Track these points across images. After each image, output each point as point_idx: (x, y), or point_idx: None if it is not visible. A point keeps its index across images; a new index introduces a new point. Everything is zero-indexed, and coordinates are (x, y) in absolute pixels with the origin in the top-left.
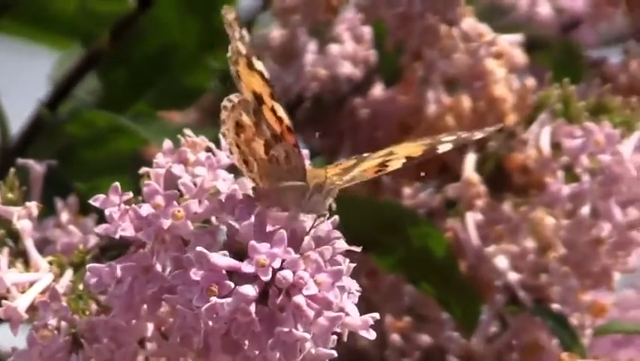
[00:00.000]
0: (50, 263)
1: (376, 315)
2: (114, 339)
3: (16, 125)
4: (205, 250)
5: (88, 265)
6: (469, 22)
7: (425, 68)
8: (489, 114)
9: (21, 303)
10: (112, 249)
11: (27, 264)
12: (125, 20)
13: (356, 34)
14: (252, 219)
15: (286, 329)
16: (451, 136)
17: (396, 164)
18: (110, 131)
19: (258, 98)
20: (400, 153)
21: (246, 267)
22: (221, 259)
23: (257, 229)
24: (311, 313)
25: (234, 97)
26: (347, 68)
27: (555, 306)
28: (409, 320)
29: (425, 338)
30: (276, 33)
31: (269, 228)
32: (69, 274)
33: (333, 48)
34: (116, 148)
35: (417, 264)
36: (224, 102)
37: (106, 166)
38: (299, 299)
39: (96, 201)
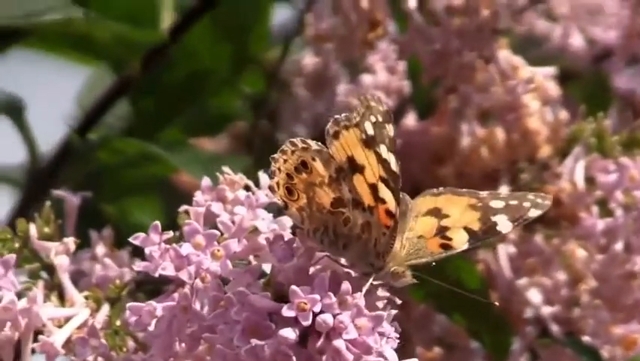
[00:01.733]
0: (87, 298)
1: (415, 360)
2: None
3: (42, 139)
4: (247, 290)
5: (128, 305)
6: (504, 55)
7: (460, 100)
8: (522, 147)
9: (58, 338)
10: (148, 283)
11: (62, 298)
12: (157, 48)
13: (389, 65)
14: (295, 260)
15: None
16: (500, 201)
17: (459, 239)
18: (140, 159)
19: (354, 166)
20: (451, 217)
21: (287, 311)
22: (262, 301)
23: (299, 270)
24: (350, 358)
25: (313, 143)
26: None
27: (586, 339)
28: (440, 351)
29: None
30: (308, 60)
31: (311, 270)
32: (106, 309)
33: (366, 78)
34: (146, 174)
35: (450, 295)
36: (297, 140)
37: (135, 190)
38: (339, 343)
39: (136, 239)
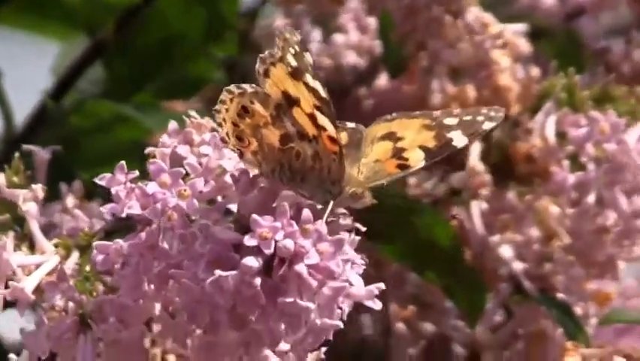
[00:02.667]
0: (56, 246)
1: (381, 285)
2: (121, 319)
3: (19, 116)
4: (209, 223)
5: (95, 243)
6: (474, 12)
7: (430, 58)
8: (494, 104)
9: (28, 284)
10: (117, 232)
11: (32, 248)
12: (131, 11)
13: (361, 25)
14: (256, 192)
15: (290, 300)
16: (453, 118)
17: (416, 157)
18: (114, 121)
19: (290, 100)
20: (407, 139)
21: (249, 240)
22: (225, 232)
23: (260, 203)
24: (314, 283)
25: (247, 86)
26: (351, 58)
27: (560, 295)
28: (414, 309)
29: (429, 327)
30: (279, 22)
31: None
32: (75, 256)
33: (338, 38)
34: (120, 138)
35: (422, 253)
36: (232, 87)
37: (109, 155)
38: (300, 268)
39: (102, 180)
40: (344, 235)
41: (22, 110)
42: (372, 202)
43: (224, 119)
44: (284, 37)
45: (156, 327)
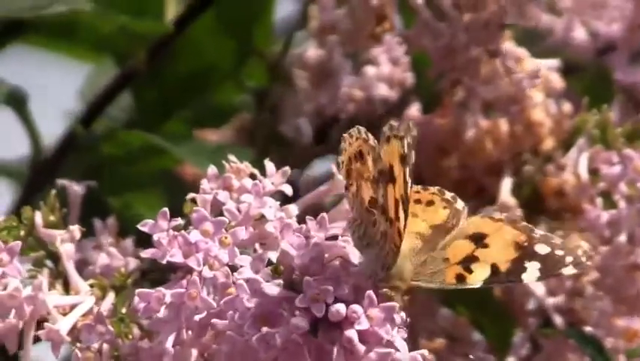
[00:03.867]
0: (92, 286)
1: (425, 352)
2: None
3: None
4: (259, 278)
5: (137, 291)
6: (508, 47)
7: (465, 93)
8: (526, 138)
9: (63, 326)
10: (152, 272)
11: (66, 286)
12: (162, 40)
13: (393, 57)
14: (310, 250)
15: None
16: (545, 246)
17: (479, 275)
18: (144, 151)
19: (391, 176)
20: (490, 250)
21: (301, 302)
22: (274, 289)
23: (313, 260)
24: (362, 349)
25: (371, 138)
26: (383, 90)
27: (589, 330)
28: (443, 341)
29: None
30: (312, 52)
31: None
32: (111, 297)
33: (370, 70)
34: (150, 166)
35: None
36: (362, 129)
37: (139, 183)
38: (351, 334)
39: (144, 226)
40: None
41: (48, 133)
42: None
43: (345, 150)
44: (407, 125)
45: None
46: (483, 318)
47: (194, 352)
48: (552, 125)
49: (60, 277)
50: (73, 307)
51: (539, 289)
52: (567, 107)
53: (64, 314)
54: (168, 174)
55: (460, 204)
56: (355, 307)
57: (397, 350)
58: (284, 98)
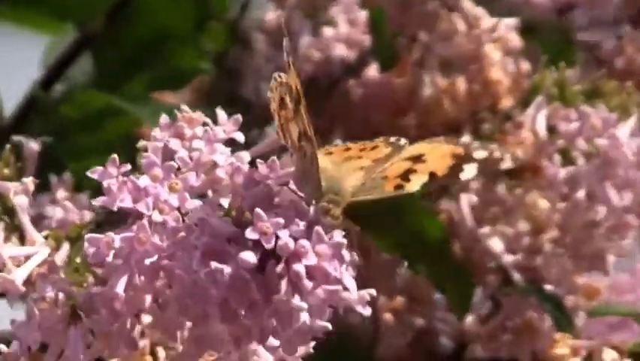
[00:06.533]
0: (46, 238)
1: (373, 291)
2: (112, 311)
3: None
4: (206, 216)
5: (86, 236)
6: (466, 6)
7: (422, 50)
8: (484, 97)
9: (18, 276)
10: (108, 224)
11: (22, 239)
12: (120, 3)
13: (351, 18)
14: (259, 188)
15: (284, 298)
16: (483, 151)
17: (416, 182)
18: (104, 112)
19: (298, 96)
20: (427, 163)
21: (250, 233)
22: (223, 225)
23: (263, 199)
24: (309, 284)
25: (283, 75)
26: (341, 51)
27: (549, 287)
28: (403, 300)
29: (418, 319)
30: (271, 15)
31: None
32: (66, 248)
33: (328, 31)
34: (110, 129)
35: (411, 245)
36: (275, 75)
37: (99, 147)
38: (299, 268)
39: (94, 173)
40: (341, 237)
41: (11, 102)
42: (340, 222)
43: (274, 110)
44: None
45: (145, 319)
46: (442, 277)
47: (148, 298)
48: (510, 83)
49: (16, 231)
50: (28, 258)
51: (498, 246)
52: (525, 65)
53: (20, 266)
54: (129, 139)
55: (402, 141)
56: (303, 241)
57: (346, 288)
58: (243, 60)
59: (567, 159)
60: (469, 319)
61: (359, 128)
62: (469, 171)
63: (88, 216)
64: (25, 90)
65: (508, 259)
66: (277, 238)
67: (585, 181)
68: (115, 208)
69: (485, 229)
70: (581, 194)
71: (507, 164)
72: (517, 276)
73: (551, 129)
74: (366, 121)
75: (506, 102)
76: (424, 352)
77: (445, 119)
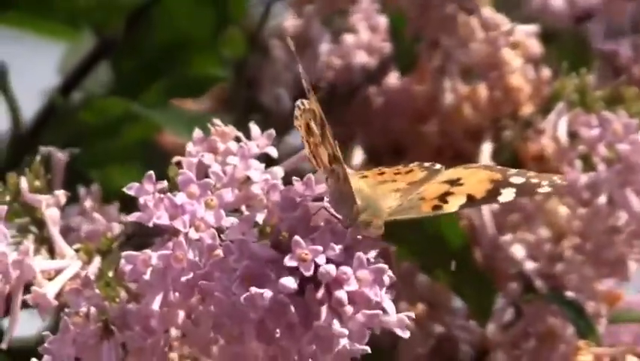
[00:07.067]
0: (77, 251)
1: (411, 314)
2: (147, 327)
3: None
4: (246, 239)
5: (123, 254)
6: (487, 12)
7: (442, 56)
8: (505, 104)
9: (50, 290)
10: (138, 236)
11: (52, 252)
12: (139, 10)
13: (371, 24)
14: (298, 212)
15: (324, 324)
16: (520, 177)
17: (454, 204)
18: (123, 119)
19: (322, 121)
20: (465, 186)
21: (289, 261)
22: (263, 250)
23: (301, 221)
24: (350, 310)
25: (305, 102)
26: (361, 58)
27: (570, 294)
28: (424, 308)
29: (438, 327)
30: (289, 23)
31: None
32: (97, 261)
33: (348, 38)
34: (129, 135)
35: (431, 253)
36: (298, 103)
37: (118, 154)
38: (341, 294)
39: (130, 189)
40: (382, 264)
41: (29, 111)
42: (379, 232)
43: (302, 138)
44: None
45: (174, 332)
46: (463, 284)
47: (182, 313)
48: (531, 90)
49: (45, 244)
50: (59, 271)
51: (519, 253)
52: (546, 72)
53: (50, 279)
54: (147, 146)
55: (437, 166)
56: (345, 268)
57: (385, 311)
58: (262, 68)
59: (588, 165)
60: (491, 326)
61: (379, 135)
62: (507, 195)
63: (116, 227)
64: (39, 97)
65: (530, 265)
66: (316, 264)
67: (606, 187)
68: (151, 225)
69: (506, 236)
70: (602, 200)
71: (545, 189)
72: (538, 283)
73: (572, 135)
74: (386, 128)
75: (527, 109)
76: (445, 359)
77: (466, 126)
